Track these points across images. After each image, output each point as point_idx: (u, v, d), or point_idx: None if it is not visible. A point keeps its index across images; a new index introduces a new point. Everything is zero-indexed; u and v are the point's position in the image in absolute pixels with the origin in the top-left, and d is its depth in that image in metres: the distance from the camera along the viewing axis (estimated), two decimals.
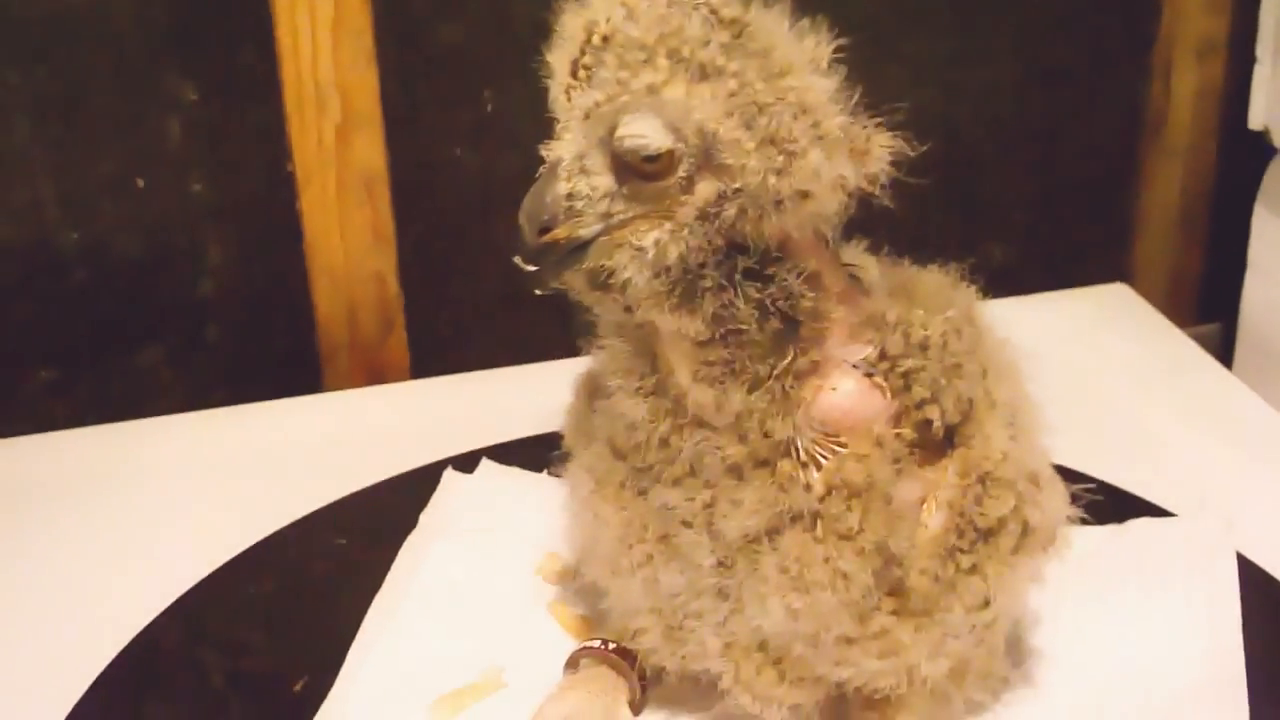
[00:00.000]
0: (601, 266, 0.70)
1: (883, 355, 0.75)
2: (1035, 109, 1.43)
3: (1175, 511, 1.05)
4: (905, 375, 0.75)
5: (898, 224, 1.41)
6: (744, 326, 0.71)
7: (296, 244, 1.31)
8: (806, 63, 0.70)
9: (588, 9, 0.69)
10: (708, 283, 0.70)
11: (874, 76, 1.35)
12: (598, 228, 0.69)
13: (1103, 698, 0.88)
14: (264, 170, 1.29)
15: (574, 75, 0.69)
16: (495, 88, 1.29)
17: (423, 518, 1.06)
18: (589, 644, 0.90)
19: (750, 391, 0.72)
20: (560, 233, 0.69)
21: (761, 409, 0.73)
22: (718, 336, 0.71)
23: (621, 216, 0.69)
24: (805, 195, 0.68)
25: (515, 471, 1.10)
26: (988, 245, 1.45)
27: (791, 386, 0.73)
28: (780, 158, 0.67)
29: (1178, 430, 1.20)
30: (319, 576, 1.03)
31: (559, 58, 0.70)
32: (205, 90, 1.25)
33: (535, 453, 1.05)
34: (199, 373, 1.33)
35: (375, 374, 1.35)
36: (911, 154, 0.72)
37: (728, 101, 0.67)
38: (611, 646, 0.88)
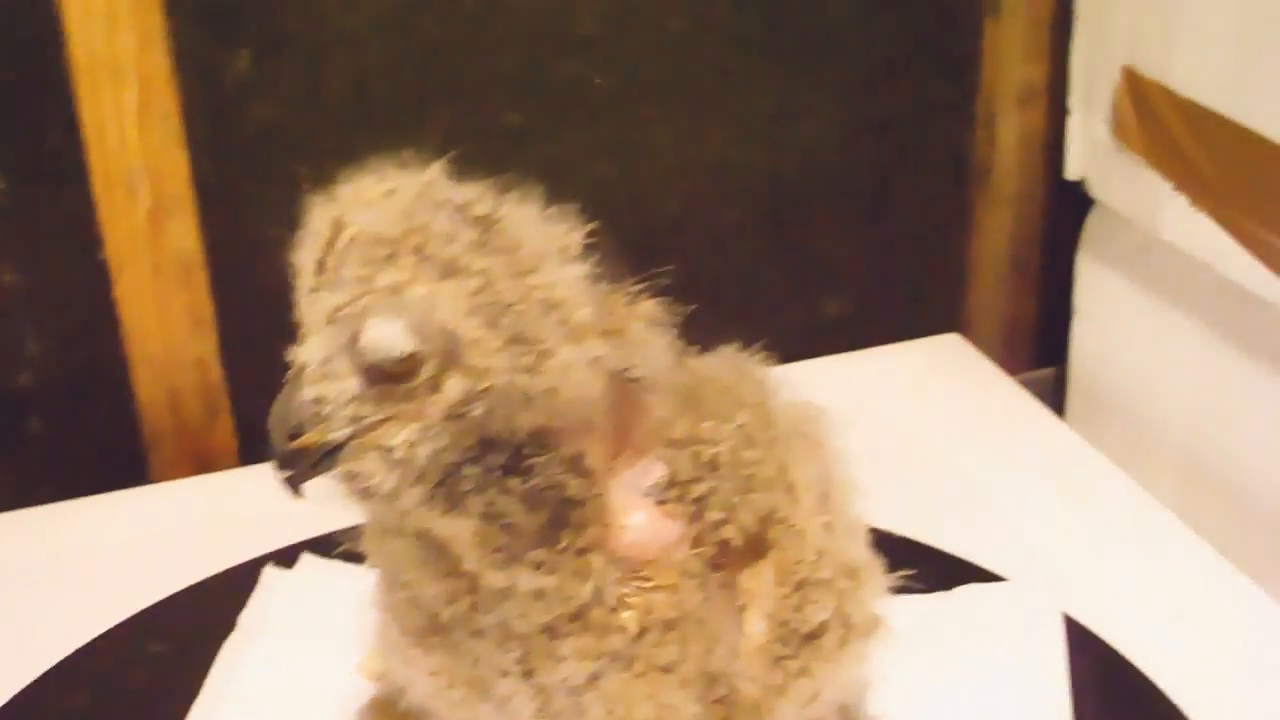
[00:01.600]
0: (355, 472, 0.67)
1: (673, 480, 0.73)
2: (862, 161, 1.43)
3: (1003, 573, 1.05)
4: (698, 500, 0.73)
5: (729, 281, 1.42)
6: (513, 520, 0.69)
7: (114, 331, 1.27)
8: (556, 253, 0.67)
9: (335, 203, 0.67)
10: (467, 484, 0.67)
11: (700, 137, 1.36)
12: (347, 431, 0.67)
13: None
14: (77, 257, 1.25)
15: (319, 274, 0.66)
16: (310, 165, 1.27)
17: (241, 618, 1.03)
18: None
19: (537, 571, 0.70)
20: (310, 438, 0.67)
21: (554, 584, 0.71)
22: (494, 529, 0.69)
23: (370, 419, 0.67)
24: (553, 392, 0.66)
25: (336, 565, 1.07)
26: (821, 299, 1.45)
27: (577, 563, 0.71)
28: (528, 356, 0.65)
29: (1009, 485, 1.19)
30: (134, 687, 0.99)
31: (305, 256, 0.67)
32: (13, 177, 1.22)
33: (357, 542, 1.03)
34: (22, 468, 1.29)
35: (202, 461, 1.32)
36: (676, 316, 0.71)
37: (471, 300, 0.65)
38: None
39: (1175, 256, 1.21)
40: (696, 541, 0.74)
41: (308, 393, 0.67)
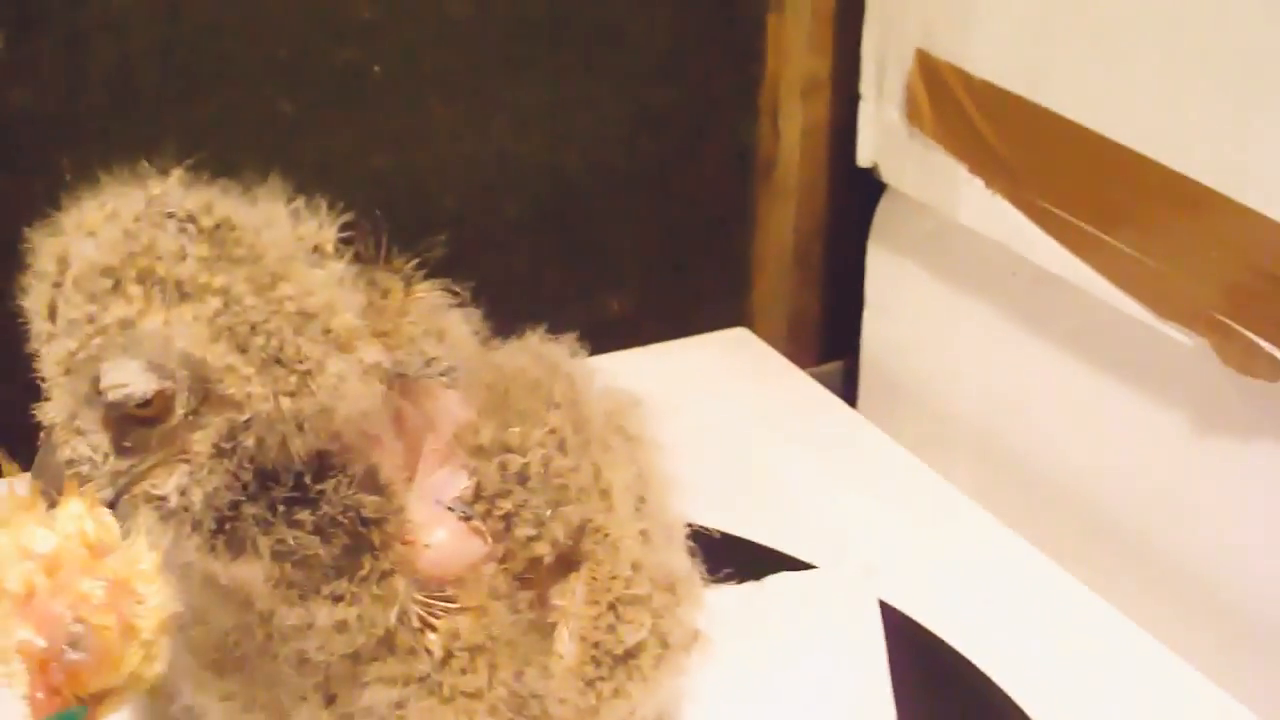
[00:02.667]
0: (133, 528, 0.61)
1: (478, 494, 0.69)
2: (645, 155, 1.40)
3: (812, 560, 1.04)
4: (506, 516, 0.69)
5: (509, 277, 1.38)
6: (307, 553, 0.63)
7: None
8: (305, 256, 0.62)
9: (59, 236, 0.61)
10: (251, 524, 0.62)
11: (480, 129, 1.32)
12: (115, 487, 0.61)
13: None
14: None
15: (51, 320, 0.60)
16: (72, 155, 1.20)
17: None
18: None
19: (335, 605, 0.65)
20: None
21: (354, 614, 0.65)
22: (287, 567, 0.64)
23: (136, 470, 0.61)
24: (328, 410, 0.61)
25: None
26: (604, 296, 1.42)
27: (379, 588, 0.66)
28: (291, 377, 0.60)
29: (807, 476, 1.18)
30: None
31: (34, 300, 0.61)
32: None
33: None
34: None
35: None
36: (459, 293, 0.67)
37: (213, 324, 0.59)
38: None
39: (969, 240, 1.21)
40: (505, 558, 0.69)
41: (62, 455, 0.60)
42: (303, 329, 0.60)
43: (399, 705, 0.68)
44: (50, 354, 0.60)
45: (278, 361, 0.59)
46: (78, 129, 1.19)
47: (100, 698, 0.60)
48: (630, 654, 0.72)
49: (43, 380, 0.61)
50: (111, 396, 0.59)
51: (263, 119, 1.25)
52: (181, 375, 0.59)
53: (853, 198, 1.43)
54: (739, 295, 1.50)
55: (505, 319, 0.76)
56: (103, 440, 0.60)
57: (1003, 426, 1.25)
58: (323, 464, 0.63)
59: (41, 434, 0.61)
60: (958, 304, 1.27)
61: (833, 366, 1.50)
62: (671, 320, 1.43)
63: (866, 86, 1.30)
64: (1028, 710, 0.91)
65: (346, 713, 0.69)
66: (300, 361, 0.60)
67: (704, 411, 1.24)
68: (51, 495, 0.59)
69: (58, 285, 0.59)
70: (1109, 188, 1.06)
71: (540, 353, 0.75)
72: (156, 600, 0.59)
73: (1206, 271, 1.00)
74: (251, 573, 0.63)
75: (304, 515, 0.63)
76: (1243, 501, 1.04)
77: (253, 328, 0.59)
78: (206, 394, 0.59)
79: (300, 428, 0.60)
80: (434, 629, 0.68)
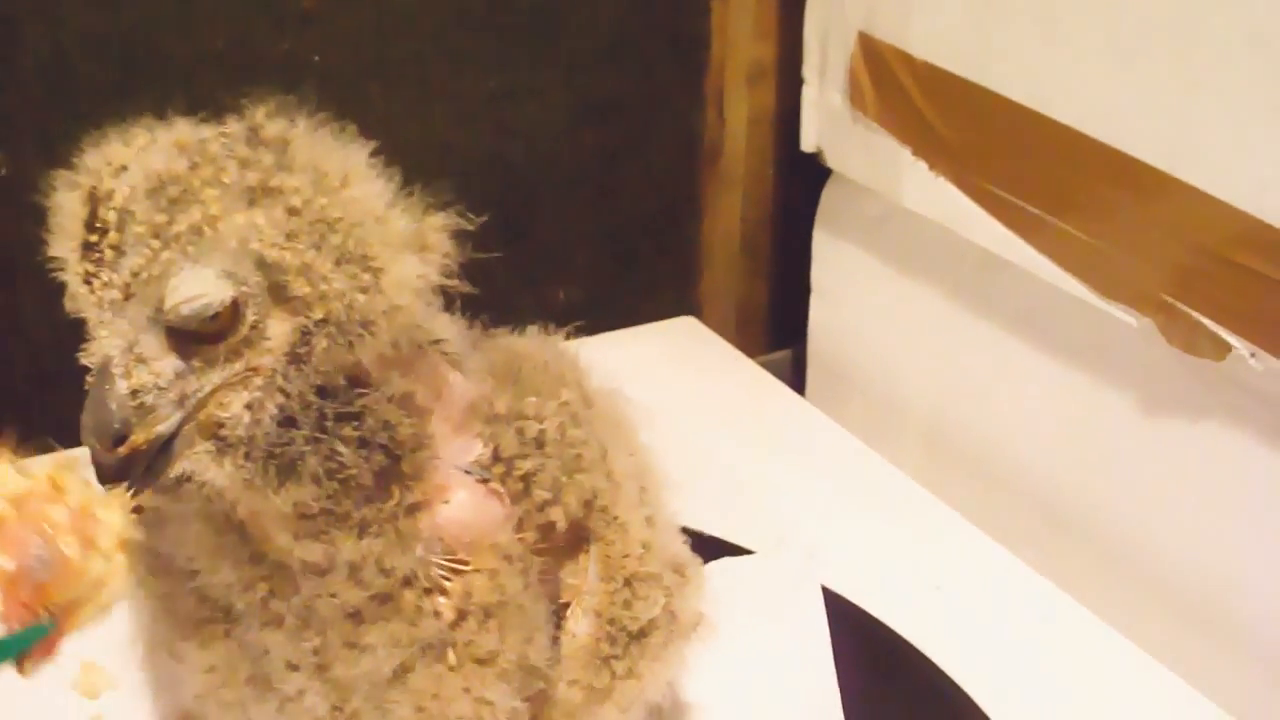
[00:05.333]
0: (191, 470, 0.60)
1: (497, 456, 0.68)
2: (590, 144, 1.40)
3: (758, 546, 1.03)
4: (524, 478, 0.68)
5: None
6: (352, 472, 0.62)
7: None
8: (360, 172, 0.61)
9: (84, 176, 0.59)
10: (302, 441, 0.60)
11: (420, 118, 1.31)
12: (177, 417, 0.59)
13: None
14: None
15: (91, 256, 0.58)
16: (8, 149, 1.18)
17: None
18: None
19: (361, 537, 0.63)
20: (138, 438, 0.58)
21: (377, 551, 0.64)
22: (326, 490, 0.62)
23: (200, 394, 0.59)
24: (394, 311, 0.60)
25: None
26: (550, 287, 1.41)
27: (405, 523, 0.64)
28: (365, 275, 0.59)
29: (754, 463, 1.17)
30: None
31: (65, 245, 0.59)
32: None
33: None
34: None
35: None
36: (470, 226, 0.64)
37: (290, 222, 0.58)
38: None
39: (914, 225, 1.21)
40: (519, 525, 0.68)
41: (121, 387, 0.58)
42: (373, 230, 0.59)
43: (403, 670, 0.67)
44: (100, 287, 0.58)
45: (352, 259, 0.59)
46: (10, 122, 1.17)
47: (67, 611, 0.62)
48: (643, 632, 0.72)
49: (82, 322, 0.59)
50: (185, 310, 0.57)
51: (200, 110, 1.23)
52: (254, 280, 0.58)
53: (800, 185, 1.43)
54: (687, 285, 1.49)
55: (449, 310, 0.75)
56: (167, 364, 0.58)
57: (950, 410, 1.25)
58: (365, 377, 0.61)
59: (90, 377, 0.59)
60: (904, 289, 1.27)
61: (781, 355, 1.50)
62: (619, 310, 1.42)
63: (809, 70, 1.30)
64: (971, 693, 0.91)
65: (341, 682, 0.67)
66: (373, 259, 0.59)
67: (650, 401, 1.23)
68: (112, 435, 0.58)
69: (93, 218, 0.58)
70: (1054, 169, 1.06)
71: (543, 340, 0.74)
72: (115, 521, 0.61)
73: (1152, 252, 1.00)
74: (285, 504, 0.61)
75: (349, 430, 0.61)
76: (1189, 480, 1.04)
77: (329, 225, 0.58)
78: (277, 299, 0.58)
79: (368, 329, 0.59)
80: (445, 592, 0.66)
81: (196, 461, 0.59)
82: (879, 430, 1.26)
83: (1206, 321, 0.96)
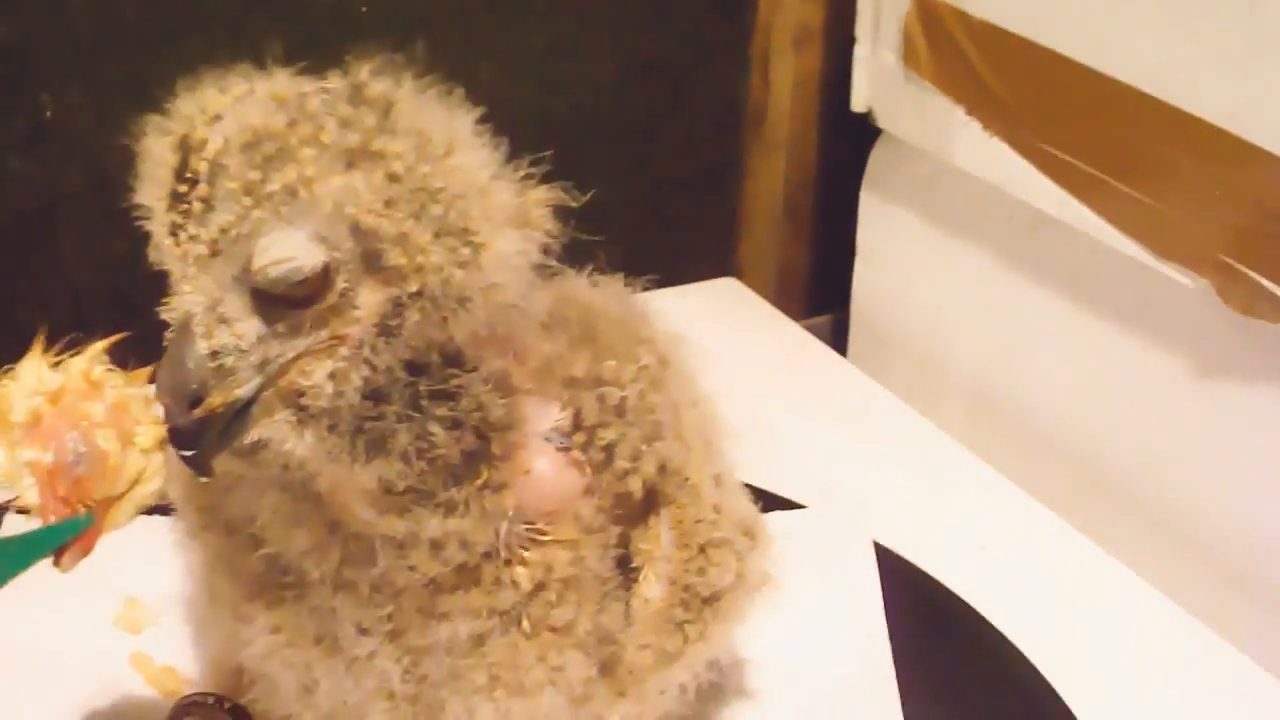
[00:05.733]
0: (268, 439, 0.58)
1: (578, 423, 0.66)
2: (634, 104, 1.39)
3: (805, 504, 1.02)
4: (606, 448, 0.66)
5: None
6: (442, 452, 0.60)
7: None
8: (465, 139, 0.59)
9: (176, 122, 0.57)
10: (393, 418, 0.59)
11: (466, 73, 1.30)
12: (257, 381, 0.57)
13: (765, 697, 0.86)
14: None
15: (179, 207, 0.56)
16: (54, 92, 1.17)
17: None
18: (195, 698, 0.79)
19: (446, 516, 0.62)
20: (215, 400, 0.56)
21: (462, 529, 0.63)
22: (414, 469, 0.60)
23: (282, 360, 0.57)
24: (492, 288, 0.58)
25: None
26: (592, 245, 1.40)
27: (490, 500, 0.63)
28: (465, 249, 0.57)
29: (798, 423, 1.17)
30: None
31: (153, 193, 0.57)
32: None
33: None
34: None
35: None
36: (574, 204, 0.63)
37: (390, 189, 0.56)
38: (227, 705, 0.78)
39: (965, 185, 1.20)
40: (597, 493, 0.67)
41: (201, 347, 0.56)
42: (475, 202, 0.57)
43: (479, 640, 0.66)
44: (186, 240, 0.56)
45: (451, 231, 0.57)
46: (61, 66, 1.16)
47: (105, 505, 0.64)
48: (715, 596, 0.71)
49: (166, 274, 0.58)
50: (274, 273, 0.55)
51: (247, 59, 1.22)
52: (347, 246, 0.56)
53: (844, 150, 1.42)
54: (728, 247, 1.49)
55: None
56: (250, 326, 0.57)
57: (997, 374, 1.25)
58: (461, 359, 0.60)
59: (169, 333, 0.57)
60: (951, 250, 1.26)
61: (821, 319, 1.49)
62: (660, 271, 1.40)
63: (862, 30, 1.29)
64: (1022, 649, 0.90)
65: (414, 647, 0.66)
66: (474, 234, 0.57)
67: (693, 358, 1.23)
68: (189, 396, 0.56)
69: (184, 168, 0.56)
70: (1111, 128, 1.04)
71: (614, 290, 0.73)
72: (153, 418, 0.61)
73: (1211, 212, 0.99)
74: (370, 479, 0.60)
75: (443, 410, 0.60)
76: (1244, 445, 1.03)
77: (431, 194, 0.56)
78: (370, 268, 0.56)
79: (463, 305, 0.57)
80: (524, 562, 0.65)
81: (275, 429, 0.58)
82: (922, 394, 1.26)
83: (1266, 282, 0.95)
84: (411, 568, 0.64)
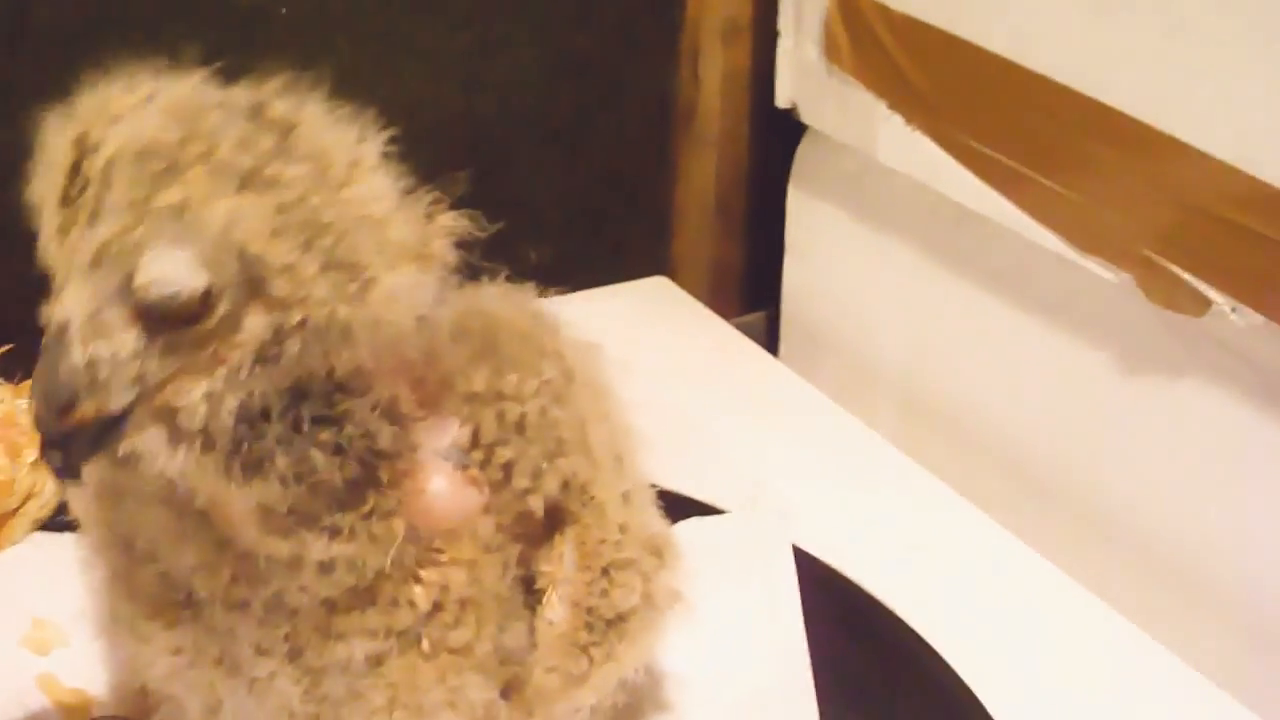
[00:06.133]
0: (139, 452, 0.57)
1: (475, 440, 0.65)
2: (562, 101, 1.37)
3: (728, 508, 1.01)
4: (505, 466, 0.66)
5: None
6: (322, 478, 0.59)
7: None
8: (369, 166, 0.57)
9: (76, 120, 0.55)
10: (272, 440, 0.57)
11: (390, 73, 1.29)
12: (130, 395, 0.55)
13: (682, 711, 0.85)
14: None
15: (66, 208, 0.55)
16: None
17: None
18: None
19: (331, 540, 0.61)
20: (86, 410, 0.55)
21: (348, 553, 0.61)
22: (295, 492, 0.59)
23: (157, 377, 0.55)
24: (379, 324, 0.56)
25: None
26: (521, 246, 1.38)
27: (378, 526, 0.62)
28: (352, 284, 0.55)
29: (725, 424, 1.16)
30: None
31: (46, 188, 0.55)
32: None
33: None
34: None
35: None
36: (480, 233, 0.61)
37: (280, 218, 0.54)
38: None
39: (890, 181, 1.19)
40: (497, 511, 0.66)
41: (77, 356, 0.54)
42: (368, 236, 0.56)
43: (376, 661, 0.65)
44: (68, 246, 0.55)
45: (340, 265, 0.55)
46: None
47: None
48: (621, 618, 0.70)
49: (49, 275, 0.56)
50: (153, 292, 0.53)
51: (163, 61, 1.21)
52: (232, 271, 0.54)
53: (775, 146, 1.40)
54: (659, 245, 1.47)
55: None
56: (128, 339, 0.55)
57: (926, 371, 1.24)
58: (348, 385, 0.59)
59: (47, 336, 0.56)
60: (879, 246, 1.26)
61: (754, 317, 1.48)
62: (591, 269, 1.40)
63: (785, 23, 1.28)
64: (944, 654, 0.89)
65: (313, 668, 0.65)
66: (364, 269, 0.55)
67: (622, 360, 1.22)
68: (60, 403, 0.55)
69: (75, 170, 0.54)
70: (1034, 122, 1.04)
71: (519, 301, 0.71)
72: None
73: (1134, 207, 0.98)
74: (247, 500, 0.59)
75: (326, 436, 0.58)
76: (1170, 440, 1.02)
77: (321, 227, 0.54)
78: (255, 293, 0.55)
79: (347, 339, 0.56)
80: (421, 581, 0.64)
81: (147, 443, 0.57)
82: (853, 393, 1.24)
83: (1187, 276, 0.95)
84: (303, 589, 0.62)
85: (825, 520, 1.02)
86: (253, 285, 0.55)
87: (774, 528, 0.97)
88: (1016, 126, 1.05)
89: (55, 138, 0.56)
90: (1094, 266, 1.01)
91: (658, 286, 1.40)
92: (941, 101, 1.11)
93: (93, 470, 0.61)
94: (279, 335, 0.55)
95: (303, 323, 0.55)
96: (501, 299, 0.70)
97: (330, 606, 0.63)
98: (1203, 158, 0.92)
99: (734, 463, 1.10)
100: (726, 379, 1.24)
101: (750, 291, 1.51)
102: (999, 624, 0.95)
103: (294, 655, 0.64)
